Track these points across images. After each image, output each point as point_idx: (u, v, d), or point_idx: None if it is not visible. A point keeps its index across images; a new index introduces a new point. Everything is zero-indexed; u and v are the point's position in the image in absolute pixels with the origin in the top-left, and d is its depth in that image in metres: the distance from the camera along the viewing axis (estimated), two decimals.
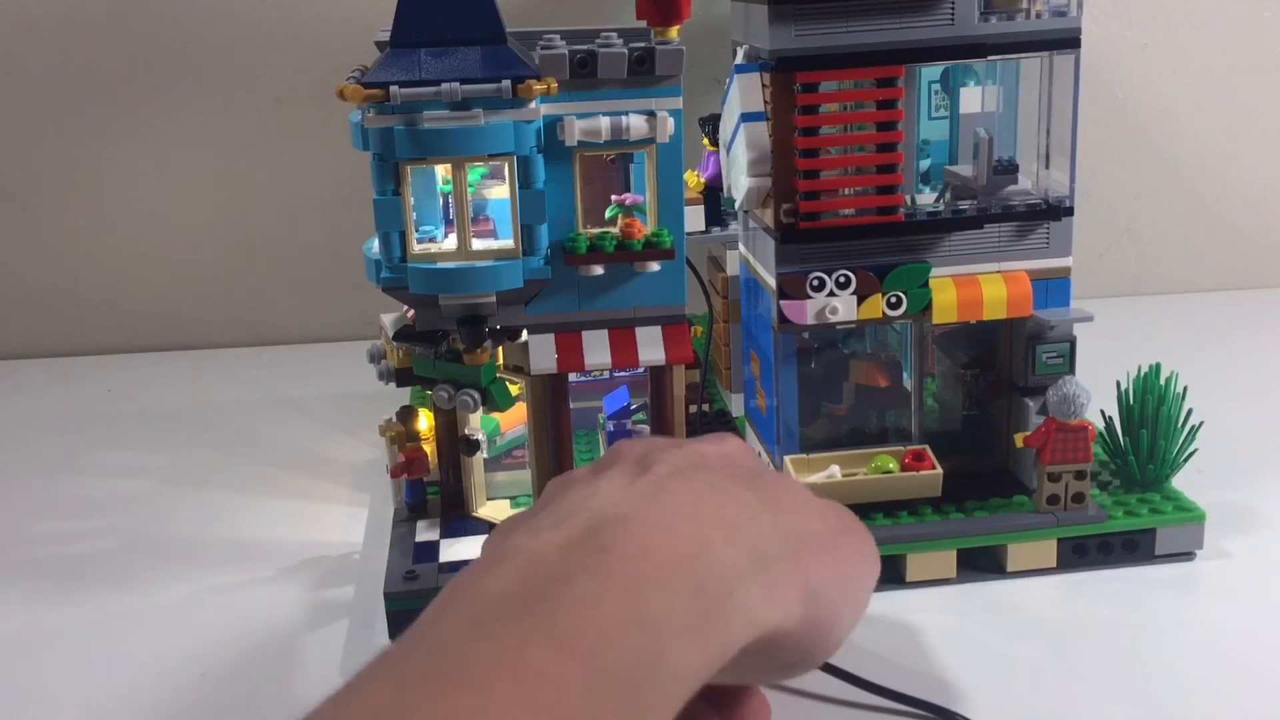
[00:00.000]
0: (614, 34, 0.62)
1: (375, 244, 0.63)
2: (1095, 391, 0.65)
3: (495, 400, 0.66)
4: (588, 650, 0.32)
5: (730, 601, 0.36)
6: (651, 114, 0.63)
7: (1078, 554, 0.66)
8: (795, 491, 0.43)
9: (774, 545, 0.39)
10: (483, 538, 0.68)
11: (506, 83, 0.59)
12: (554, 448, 0.67)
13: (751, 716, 0.44)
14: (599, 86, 0.62)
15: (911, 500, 0.67)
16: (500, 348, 0.67)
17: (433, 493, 0.71)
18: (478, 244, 0.63)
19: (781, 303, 0.66)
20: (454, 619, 0.33)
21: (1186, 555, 0.67)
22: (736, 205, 0.70)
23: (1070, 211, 0.66)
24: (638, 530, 0.37)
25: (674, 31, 0.63)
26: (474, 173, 0.63)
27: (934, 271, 0.66)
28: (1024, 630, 0.62)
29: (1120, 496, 0.69)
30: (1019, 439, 0.67)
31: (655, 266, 0.65)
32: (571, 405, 0.68)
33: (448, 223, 0.66)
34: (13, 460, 0.89)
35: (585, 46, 0.62)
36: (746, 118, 0.65)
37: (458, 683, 0.30)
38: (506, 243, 0.63)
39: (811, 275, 0.65)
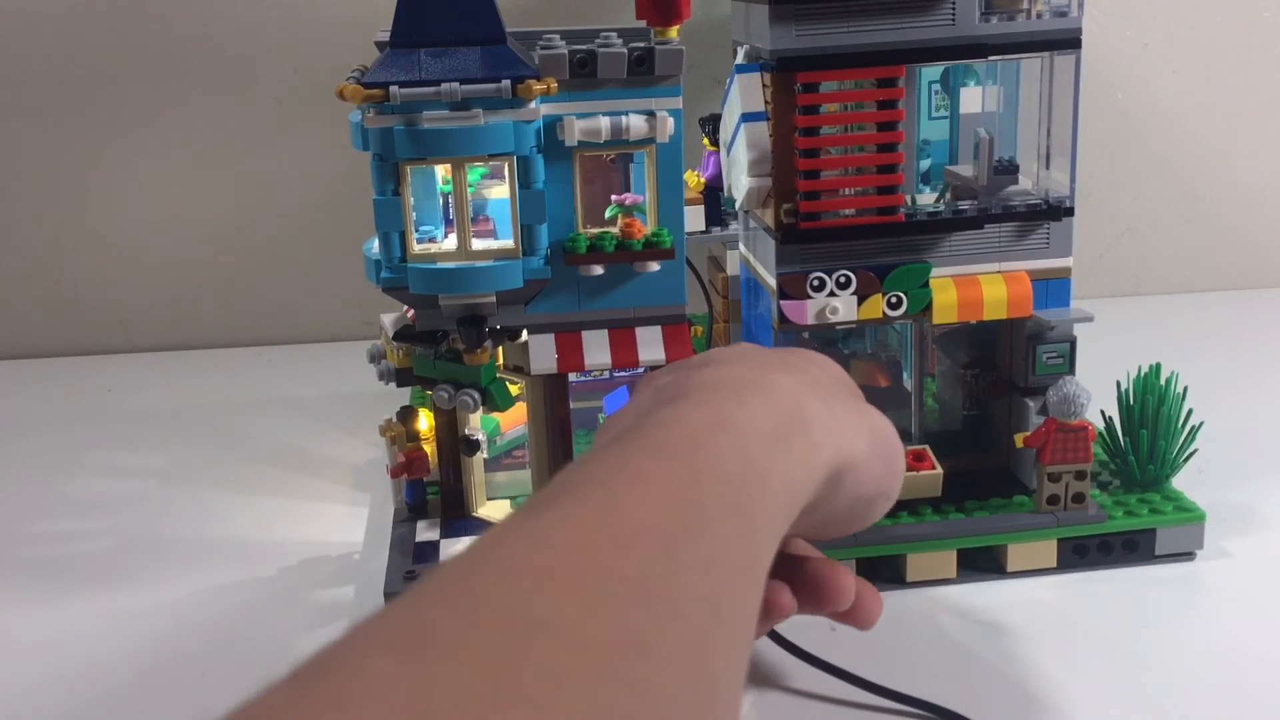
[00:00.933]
0: (614, 34, 0.62)
1: (375, 244, 0.63)
2: (1095, 391, 0.65)
3: (495, 400, 0.66)
4: (681, 452, 0.35)
5: (805, 411, 0.39)
6: (651, 114, 0.63)
7: (1078, 554, 0.66)
8: (824, 359, 0.47)
9: (826, 384, 0.43)
10: None
11: (506, 83, 0.59)
12: (554, 448, 0.67)
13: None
14: (599, 86, 0.62)
15: (911, 500, 0.67)
16: (500, 348, 0.67)
17: (433, 493, 0.71)
18: (478, 244, 0.63)
19: (782, 303, 0.66)
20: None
21: (1186, 555, 0.67)
22: (737, 205, 0.70)
23: (1070, 211, 0.66)
24: (700, 376, 0.40)
25: (674, 31, 0.63)
26: (474, 173, 0.63)
27: (934, 272, 0.66)
28: (1024, 630, 0.61)
29: (1120, 496, 0.69)
30: (1019, 439, 0.67)
31: (655, 266, 0.65)
32: (571, 405, 0.68)
33: (448, 223, 0.66)
34: (13, 460, 0.89)
35: (585, 46, 0.62)
36: (747, 118, 0.65)
37: (575, 491, 0.33)
38: (506, 243, 0.63)
39: (812, 275, 0.65)
